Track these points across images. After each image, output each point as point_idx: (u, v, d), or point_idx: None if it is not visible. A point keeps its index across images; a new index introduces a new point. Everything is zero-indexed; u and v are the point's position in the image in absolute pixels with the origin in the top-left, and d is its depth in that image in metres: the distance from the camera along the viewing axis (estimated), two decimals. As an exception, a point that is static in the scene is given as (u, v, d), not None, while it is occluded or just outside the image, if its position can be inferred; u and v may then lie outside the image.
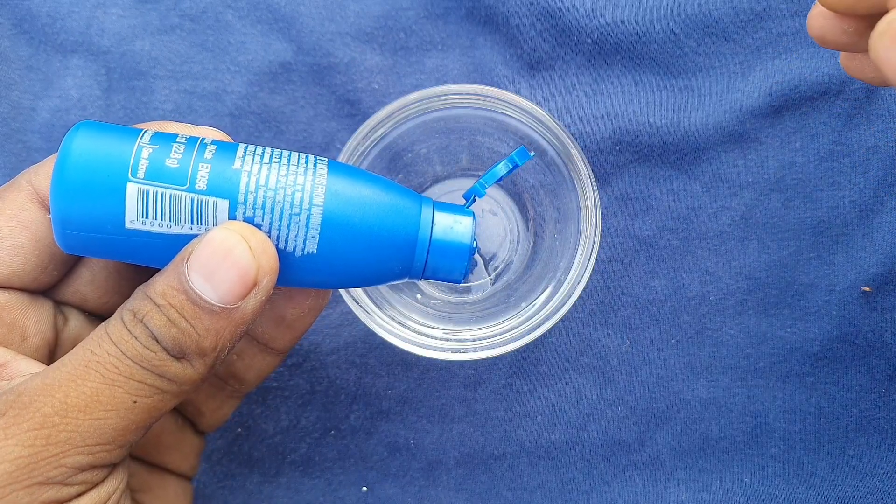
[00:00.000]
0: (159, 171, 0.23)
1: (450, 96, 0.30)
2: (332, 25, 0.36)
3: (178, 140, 0.24)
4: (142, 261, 0.24)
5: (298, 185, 0.24)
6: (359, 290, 0.30)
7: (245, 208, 0.23)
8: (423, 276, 0.26)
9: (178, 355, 0.23)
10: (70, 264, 0.27)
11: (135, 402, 0.23)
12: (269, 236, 0.24)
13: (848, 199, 0.35)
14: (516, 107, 0.30)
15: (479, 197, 0.28)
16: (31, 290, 0.27)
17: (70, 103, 0.36)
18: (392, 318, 0.29)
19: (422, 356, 0.29)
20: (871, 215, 0.35)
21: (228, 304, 0.23)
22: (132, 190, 0.23)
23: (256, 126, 0.36)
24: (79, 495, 0.23)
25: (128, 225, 0.23)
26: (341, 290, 0.29)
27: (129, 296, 0.27)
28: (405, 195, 0.25)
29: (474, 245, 0.26)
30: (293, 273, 0.24)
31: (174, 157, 0.23)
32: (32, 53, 0.37)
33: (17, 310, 0.26)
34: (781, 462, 0.35)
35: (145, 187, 0.23)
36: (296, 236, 0.24)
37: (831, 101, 0.35)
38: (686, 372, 0.35)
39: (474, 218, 0.26)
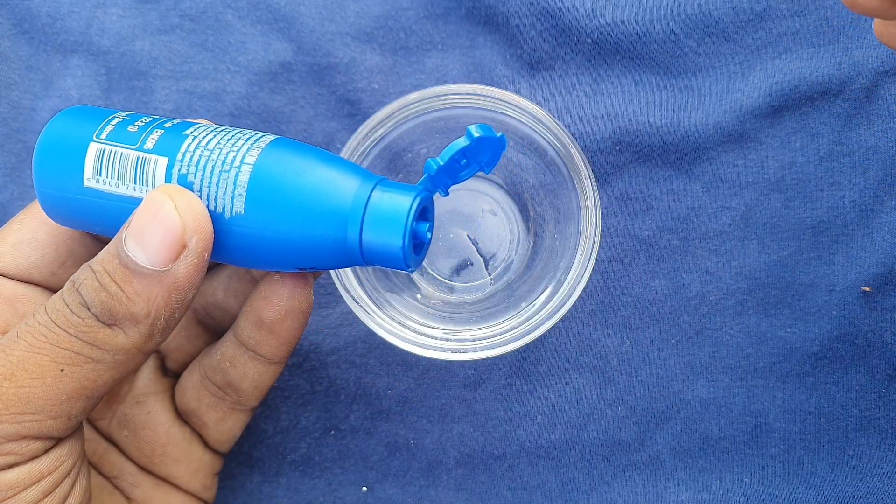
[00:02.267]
0: (119, 134, 0.24)
1: (450, 96, 0.30)
2: (332, 25, 0.36)
3: (151, 115, 0.25)
4: (102, 230, 0.25)
5: (236, 147, 0.24)
6: (359, 290, 0.30)
7: (181, 165, 0.23)
8: (364, 260, 0.24)
9: (109, 322, 0.22)
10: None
11: (62, 370, 0.22)
12: (200, 195, 0.23)
13: (848, 199, 0.35)
14: (516, 107, 0.30)
15: (430, 173, 0.25)
16: (51, 287, 0.28)
17: (70, 103, 0.36)
18: (392, 318, 0.29)
19: (422, 356, 0.29)
20: (871, 215, 0.35)
21: (158, 267, 0.22)
22: (92, 149, 0.24)
23: (256, 126, 0.36)
24: (9, 466, 0.23)
25: (85, 183, 0.24)
26: (341, 290, 0.29)
27: None
28: (350, 169, 0.24)
29: (413, 224, 0.24)
30: (226, 239, 0.24)
31: (137, 125, 0.24)
32: (32, 53, 0.37)
33: (33, 304, 0.27)
34: (781, 462, 0.35)
35: (103, 146, 0.24)
36: (224, 194, 0.23)
37: (831, 101, 0.35)
38: (686, 372, 0.35)
39: (418, 197, 0.24)
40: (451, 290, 0.34)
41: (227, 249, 0.24)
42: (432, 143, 0.32)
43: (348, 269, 0.30)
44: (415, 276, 0.34)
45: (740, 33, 0.35)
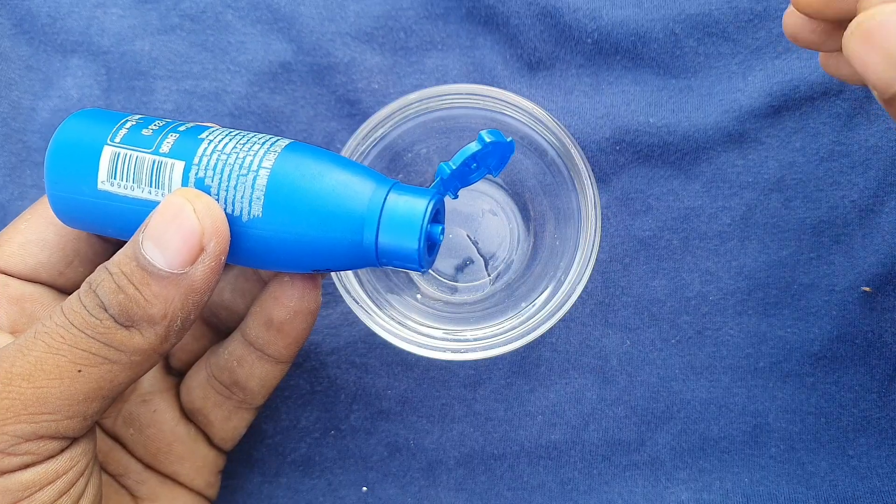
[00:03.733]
0: (134, 138, 0.24)
1: (450, 96, 0.30)
2: (332, 25, 0.36)
3: (163, 119, 0.25)
4: (115, 232, 0.25)
5: (252, 151, 0.24)
6: (359, 290, 0.30)
7: (198, 169, 0.24)
8: (379, 261, 0.24)
9: (126, 323, 0.23)
10: (95, 262, 0.28)
11: (79, 370, 0.23)
12: (218, 199, 0.24)
13: (848, 199, 0.35)
14: (516, 107, 0.30)
15: (443, 177, 0.25)
16: (58, 287, 0.28)
17: (70, 103, 0.36)
18: (392, 318, 0.29)
19: (422, 356, 0.29)
20: (871, 215, 0.35)
21: (176, 270, 0.22)
22: (107, 152, 0.24)
23: (256, 126, 0.36)
24: (25, 466, 0.23)
25: (99, 186, 0.24)
26: (341, 290, 0.29)
27: None
28: (365, 173, 0.24)
29: (428, 226, 0.24)
30: (242, 242, 0.24)
31: (151, 129, 0.25)
32: (32, 53, 0.37)
33: (41, 303, 0.27)
34: (781, 462, 0.35)
35: (118, 150, 0.24)
36: (242, 198, 0.23)
37: (831, 101, 0.35)
38: (686, 372, 0.35)
39: (433, 199, 0.24)
40: (452, 290, 0.34)
41: (243, 252, 0.24)
42: (432, 143, 0.32)
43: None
44: (415, 276, 0.34)
45: (740, 33, 0.35)
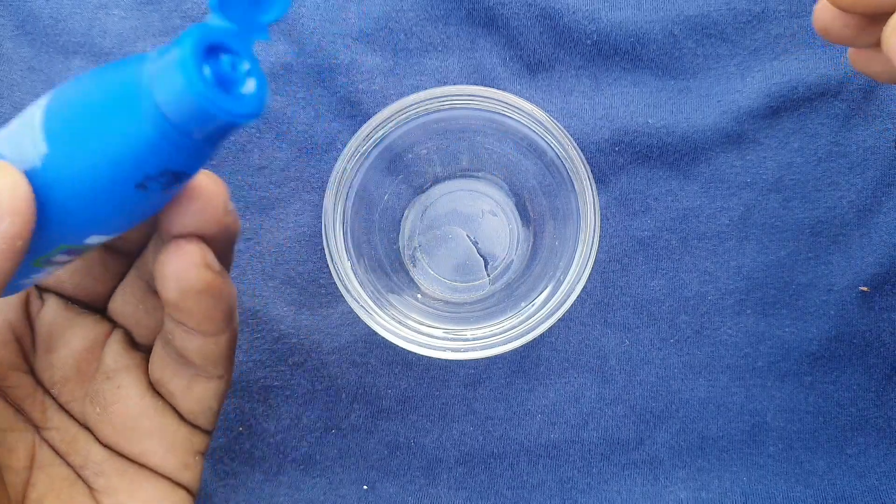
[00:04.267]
0: None
1: (450, 97, 0.30)
2: (333, 27, 0.36)
3: None
4: None
5: (36, 103, 0.21)
6: (360, 289, 0.30)
7: None
8: (182, 133, 0.20)
9: None
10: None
11: None
12: (13, 163, 0.21)
13: (846, 200, 0.35)
14: (516, 108, 0.30)
15: (213, 6, 0.20)
16: None
17: (72, 104, 0.36)
18: (393, 318, 0.30)
19: (422, 355, 0.29)
20: (868, 215, 0.35)
21: None
22: None
23: (258, 127, 0.36)
24: None
25: None
26: (342, 290, 0.29)
27: (104, 279, 0.26)
28: (136, 58, 0.21)
29: (198, 59, 0.19)
30: (49, 194, 0.21)
31: None
32: (34, 54, 0.37)
33: None
34: (780, 461, 0.35)
35: None
36: (26, 144, 0.21)
37: (829, 101, 0.35)
38: (685, 371, 0.35)
39: (195, 32, 0.20)
40: (451, 290, 0.35)
41: (60, 205, 0.21)
42: (432, 144, 0.32)
43: (349, 270, 0.30)
44: (415, 276, 0.34)
45: (739, 35, 0.35)
